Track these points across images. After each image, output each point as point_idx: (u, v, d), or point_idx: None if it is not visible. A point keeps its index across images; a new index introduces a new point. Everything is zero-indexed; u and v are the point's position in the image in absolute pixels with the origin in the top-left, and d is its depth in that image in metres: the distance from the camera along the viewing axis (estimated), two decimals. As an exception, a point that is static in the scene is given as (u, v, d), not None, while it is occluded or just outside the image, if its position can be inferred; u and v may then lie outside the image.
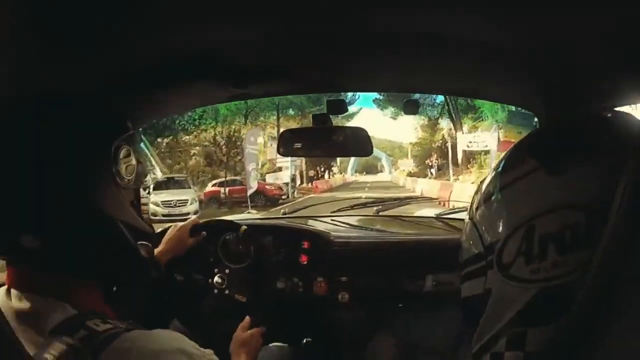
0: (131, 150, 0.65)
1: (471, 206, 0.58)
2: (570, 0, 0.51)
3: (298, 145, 1.11)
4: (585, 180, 0.45)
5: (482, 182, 0.58)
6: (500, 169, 0.54)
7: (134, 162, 0.65)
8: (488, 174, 0.57)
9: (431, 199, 2.54)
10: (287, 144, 1.12)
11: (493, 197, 0.53)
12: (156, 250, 1.09)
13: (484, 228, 0.53)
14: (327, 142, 1.09)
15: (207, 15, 0.60)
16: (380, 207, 1.81)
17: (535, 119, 1.00)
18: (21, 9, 0.48)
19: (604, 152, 0.46)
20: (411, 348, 1.09)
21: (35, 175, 0.55)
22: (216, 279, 1.23)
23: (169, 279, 1.20)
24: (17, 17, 0.49)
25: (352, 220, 1.63)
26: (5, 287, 0.59)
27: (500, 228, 0.49)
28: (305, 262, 1.35)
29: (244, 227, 1.24)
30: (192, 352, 0.57)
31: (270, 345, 1.19)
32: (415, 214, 1.88)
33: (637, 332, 0.38)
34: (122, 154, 0.63)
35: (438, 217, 1.66)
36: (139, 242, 0.66)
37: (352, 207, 1.82)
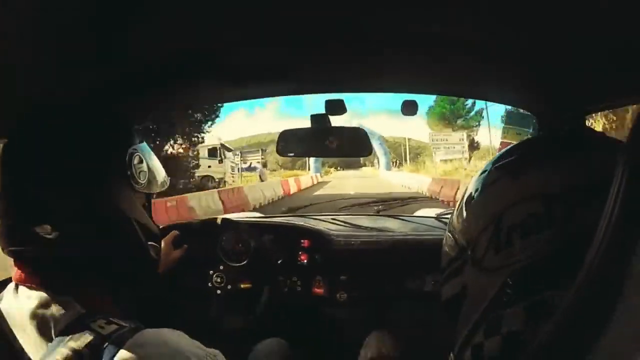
0: (143, 157, 0.71)
1: (450, 221, 0.64)
2: (569, 1, 0.51)
3: (297, 145, 1.11)
4: (542, 175, 0.51)
5: (460, 199, 0.64)
6: (471, 185, 0.61)
7: (145, 168, 0.71)
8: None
9: (432, 198, 2.53)
10: (285, 144, 1.12)
11: (466, 207, 0.59)
12: None
13: (458, 233, 0.59)
14: (326, 141, 1.09)
15: (207, 15, 0.61)
16: (381, 206, 1.81)
17: (534, 120, 1.00)
18: (23, 12, 0.48)
19: (560, 152, 0.53)
20: (409, 347, 1.09)
21: (58, 174, 0.60)
22: (215, 278, 1.23)
23: (166, 290, 1.21)
24: (19, 20, 0.49)
25: (353, 220, 1.63)
26: (13, 284, 0.60)
27: (473, 229, 0.55)
28: (304, 261, 1.35)
29: (220, 218, 1.25)
30: (196, 352, 0.58)
31: (268, 340, 1.19)
32: (415, 214, 1.88)
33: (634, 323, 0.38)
34: (136, 160, 0.68)
35: (438, 217, 1.66)
36: (150, 243, 0.69)
37: (352, 206, 1.83)
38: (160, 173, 0.78)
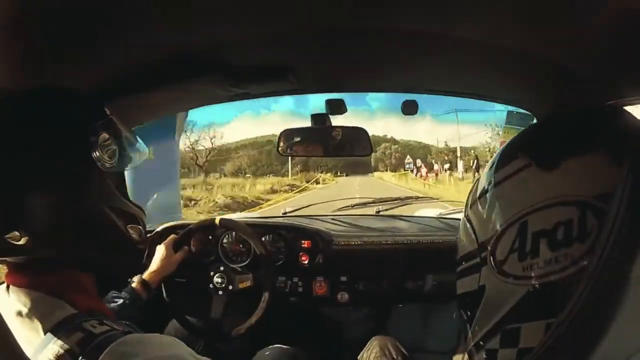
0: (110, 135, 0.63)
1: (466, 205, 0.58)
2: (569, 1, 0.51)
3: (298, 145, 1.12)
4: (577, 175, 0.45)
5: (476, 181, 0.58)
6: (492, 167, 0.53)
7: (114, 146, 0.63)
8: (482, 173, 0.57)
9: (432, 199, 2.53)
10: (286, 143, 1.12)
11: (486, 195, 0.52)
12: (146, 273, 1.10)
13: (477, 226, 0.53)
14: (326, 141, 1.09)
15: (207, 15, 0.61)
16: (380, 207, 1.81)
17: (534, 120, 1.00)
18: (21, 8, 0.48)
19: (596, 146, 0.45)
20: (411, 348, 1.09)
21: (13, 170, 0.54)
22: (216, 279, 1.23)
23: (169, 295, 1.22)
24: (15, 17, 0.49)
25: (353, 220, 1.63)
26: (5, 284, 0.59)
27: (493, 225, 0.49)
28: (305, 262, 1.35)
29: (218, 218, 1.25)
30: (188, 359, 0.56)
31: (271, 347, 1.19)
32: (415, 214, 1.88)
33: (634, 327, 0.38)
34: (100, 139, 0.61)
35: (439, 218, 1.66)
36: (130, 226, 0.65)
37: (353, 207, 1.82)
38: (135, 145, 0.71)
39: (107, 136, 0.62)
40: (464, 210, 0.59)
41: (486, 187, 0.53)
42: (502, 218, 0.48)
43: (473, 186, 0.58)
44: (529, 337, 0.45)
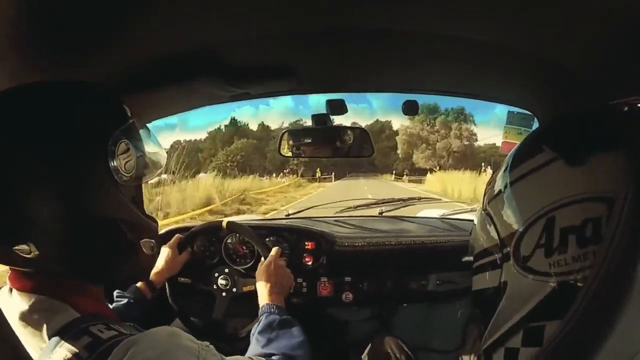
0: (130, 143, 0.59)
1: (484, 199, 0.57)
2: (569, 1, 0.51)
3: (298, 145, 1.12)
4: (607, 171, 0.44)
5: (494, 173, 0.57)
6: (513, 161, 0.52)
7: (134, 157, 0.59)
8: (501, 167, 0.56)
9: (434, 199, 2.52)
10: (287, 144, 1.13)
11: (508, 189, 0.51)
12: (151, 274, 1.08)
13: (498, 220, 0.51)
14: (328, 142, 1.10)
15: (207, 15, 0.61)
16: (383, 207, 1.81)
17: (535, 120, 1.00)
18: (23, 9, 0.49)
19: (625, 142, 0.45)
20: (415, 347, 1.09)
21: (21, 176, 0.51)
22: (220, 281, 1.23)
23: (173, 295, 1.22)
24: (18, 17, 0.50)
25: (356, 221, 1.63)
26: (8, 286, 0.58)
27: (517, 220, 0.48)
28: (309, 263, 1.35)
29: (225, 220, 1.25)
30: (189, 345, 0.55)
31: None
32: (418, 215, 1.88)
33: None
34: (120, 149, 0.57)
35: (442, 218, 1.66)
36: (143, 240, 0.63)
37: (355, 208, 1.82)
38: (157, 156, 0.67)
39: (127, 146, 0.58)
40: (481, 203, 0.57)
41: (508, 181, 0.51)
42: (527, 213, 0.47)
43: (490, 179, 0.57)
44: (554, 335, 0.43)
